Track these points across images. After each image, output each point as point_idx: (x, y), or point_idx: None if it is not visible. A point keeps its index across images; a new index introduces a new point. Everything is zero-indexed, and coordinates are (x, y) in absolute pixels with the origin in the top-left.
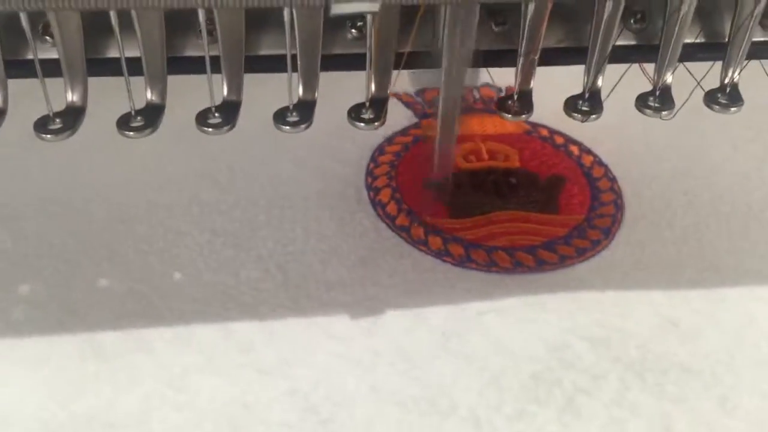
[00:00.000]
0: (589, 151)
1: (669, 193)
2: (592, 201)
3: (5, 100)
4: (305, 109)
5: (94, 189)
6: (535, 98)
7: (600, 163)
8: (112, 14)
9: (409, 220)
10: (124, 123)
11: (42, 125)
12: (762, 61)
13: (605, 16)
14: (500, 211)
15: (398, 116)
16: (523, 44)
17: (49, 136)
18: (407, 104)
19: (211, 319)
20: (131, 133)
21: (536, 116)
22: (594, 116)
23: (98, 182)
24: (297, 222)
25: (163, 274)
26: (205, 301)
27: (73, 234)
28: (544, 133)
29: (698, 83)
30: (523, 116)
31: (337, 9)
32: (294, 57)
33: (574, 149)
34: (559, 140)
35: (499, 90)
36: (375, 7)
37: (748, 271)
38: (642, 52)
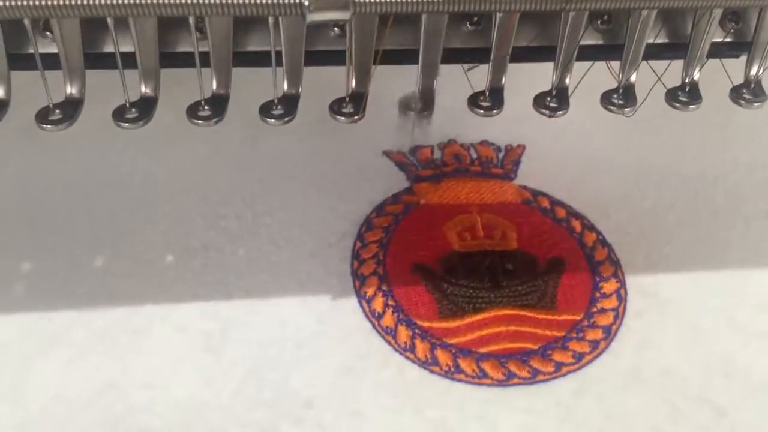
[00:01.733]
0: (592, 228)
1: (674, 281)
2: (593, 291)
3: (8, 93)
4: (289, 103)
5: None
6: (541, 162)
7: (603, 242)
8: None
9: (396, 319)
10: (119, 114)
11: (43, 116)
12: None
13: (572, 17)
14: (494, 307)
15: (389, 179)
16: (494, 43)
17: (49, 126)
18: (399, 165)
19: None
20: (126, 123)
21: (539, 182)
22: (561, 112)
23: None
24: (271, 321)
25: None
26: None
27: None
28: (545, 204)
29: (659, 78)
30: (494, 111)
31: (311, 17)
32: (279, 53)
33: (576, 225)
34: (561, 213)
35: (498, 149)
36: (346, 15)
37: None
38: (608, 51)
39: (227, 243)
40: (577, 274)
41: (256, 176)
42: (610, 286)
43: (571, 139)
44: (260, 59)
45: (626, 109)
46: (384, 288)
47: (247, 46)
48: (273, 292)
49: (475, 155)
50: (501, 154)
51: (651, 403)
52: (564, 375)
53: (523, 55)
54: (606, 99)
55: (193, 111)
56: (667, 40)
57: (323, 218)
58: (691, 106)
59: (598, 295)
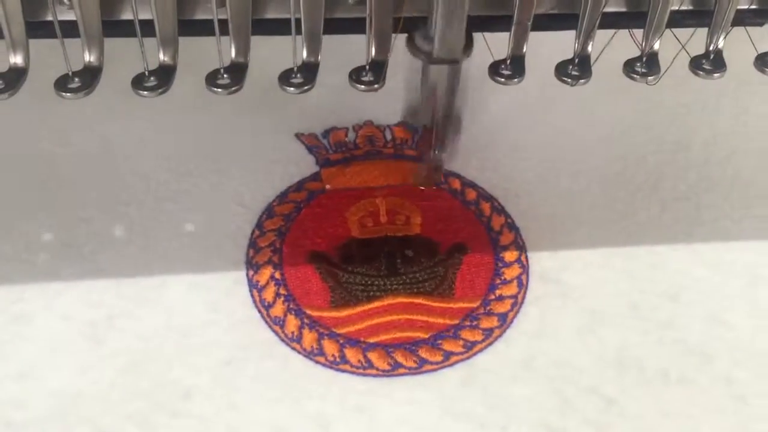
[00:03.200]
0: (501, 211)
1: (580, 266)
2: (493, 278)
3: (27, 60)
4: (309, 71)
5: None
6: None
7: (511, 226)
8: None
9: (285, 309)
10: (138, 82)
11: (62, 84)
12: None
13: None
14: (389, 295)
15: (297, 163)
16: (516, 11)
17: (68, 94)
18: (310, 148)
19: None
20: (145, 92)
21: (453, 163)
22: (583, 81)
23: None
24: (159, 310)
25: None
26: None
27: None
28: (455, 185)
29: (683, 47)
30: (515, 80)
31: None
32: (298, 21)
33: (486, 208)
34: (471, 196)
35: (415, 130)
36: None
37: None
38: (630, 18)
39: (124, 230)
40: (479, 260)
41: (160, 160)
42: (511, 272)
43: (490, 119)
44: (279, 27)
45: (649, 78)
46: (277, 277)
47: (266, 13)
48: (165, 280)
49: (390, 137)
50: (417, 136)
51: (540, 394)
52: (452, 365)
53: (544, 22)
54: (629, 67)
55: (212, 79)
56: (691, 7)
57: (226, 206)
58: (716, 74)
59: (498, 281)
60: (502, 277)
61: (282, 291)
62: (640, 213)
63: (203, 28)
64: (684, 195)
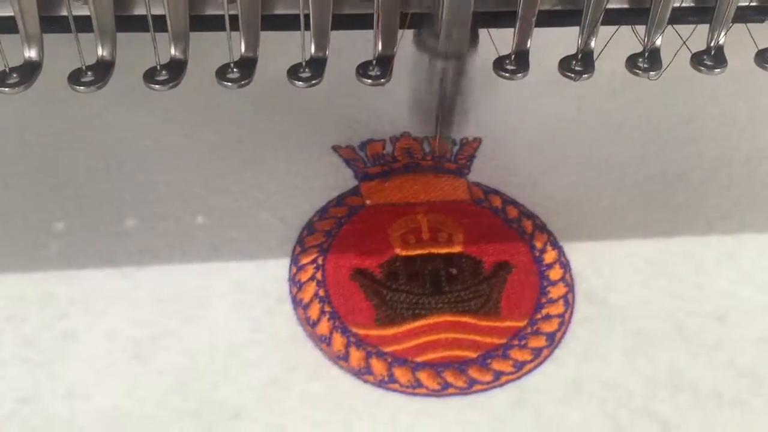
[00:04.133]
0: (543, 228)
1: (624, 286)
2: (539, 297)
3: (41, 54)
4: (317, 66)
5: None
6: (497, 157)
7: (554, 244)
8: None
9: (331, 327)
10: (150, 76)
11: (75, 78)
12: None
13: None
14: (434, 313)
15: (335, 177)
16: (521, 6)
17: (81, 87)
18: (347, 161)
19: None
20: (157, 86)
21: (493, 178)
22: (586, 75)
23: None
24: (202, 329)
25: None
26: None
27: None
28: (497, 203)
29: (684, 43)
30: (520, 75)
31: None
32: (306, 17)
33: (528, 225)
34: (513, 213)
35: (453, 142)
36: None
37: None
38: (633, 15)
39: (164, 246)
40: (524, 279)
41: (197, 174)
42: (557, 291)
43: (530, 134)
44: (288, 23)
45: (651, 73)
46: (321, 294)
47: (275, 9)
48: (207, 298)
49: (428, 149)
50: (456, 148)
51: (592, 418)
52: (502, 385)
53: (548, 18)
54: (631, 63)
55: (222, 73)
56: (692, 4)
57: (265, 221)
58: (716, 70)
59: (544, 300)
60: (548, 296)
61: (327, 308)
62: (683, 231)
63: (214, 24)
64: (728, 213)
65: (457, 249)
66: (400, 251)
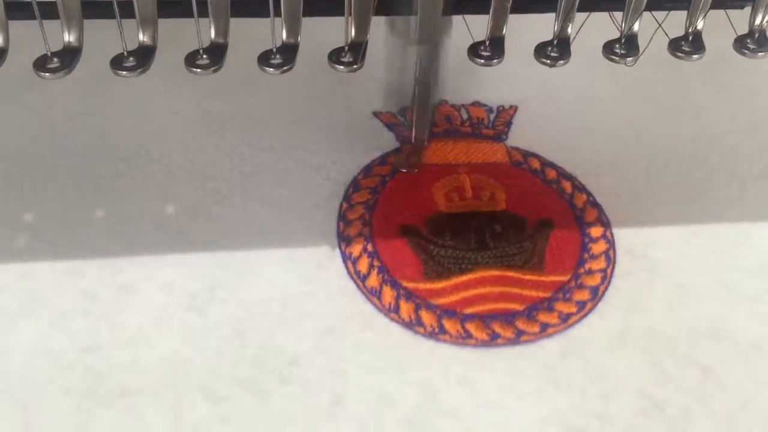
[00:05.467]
0: (582, 188)
1: (664, 243)
2: (581, 252)
3: (6, 41)
4: (288, 53)
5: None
6: (533, 124)
7: (594, 204)
8: None
9: (381, 280)
10: (117, 63)
11: (41, 64)
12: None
13: None
14: (480, 267)
15: (379, 140)
16: None
17: (47, 74)
18: (389, 125)
19: None
20: (124, 72)
21: (531, 144)
22: (562, 62)
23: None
24: (256, 281)
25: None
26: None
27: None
28: (535, 165)
29: (659, 25)
30: (494, 61)
31: None
32: (277, 2)
33: (567, 186)
34: (551, 174)
35: (490, 110)
36: None
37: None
38: (610, 0)
39: (214, 204)
40: (566, 235)
41: (243, 137)
42: (598, 247)
43: (564, 100)
44: (259, 9)
45: (628, 59)
46: (369, 249)
47: None
48: (259, 252)
49: (466, 116)
50: (493, 115)
51: (638, 365)
52: (549, 336)
53: (523, 4)
54: (608, 49)
55: (191, 59)
56: None
57: (311, 179)
58: (695, 56)
59: (586, 256)
60: (590, 252)
61: (375, 263)
62: (719, 192)
63: (183, 9)
64: (762, 174)
65: (500, 207)
66: (444, 208)
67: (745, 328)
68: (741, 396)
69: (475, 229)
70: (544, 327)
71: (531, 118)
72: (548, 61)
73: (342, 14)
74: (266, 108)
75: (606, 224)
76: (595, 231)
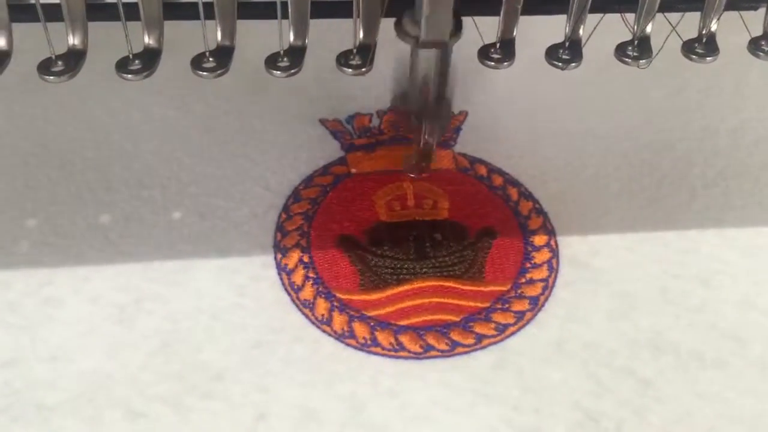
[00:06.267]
0: (529, 196)
1: (609, 251)
2: (523, 262)
3: (10, 43)
4: (295, 55)
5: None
6: (483, 130)
7: (539, 211)
8: None
9: (315, 292)
10: (122, 66)
11: (45, 67)
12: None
13: None
14: (418, 277)
15: (322, 148)
16: None
17: (51, 77)
18: (334, 133)
19: None
20: (129, 75)
21: (479, 150)
22: (573, 65)
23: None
24: (187, 293)
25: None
26: None
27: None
28: (482, 171)
29: (673, 28)
30: (505, 64)
31: None
32: (284, 4)
33: (513, 193)
34: (498, 181)
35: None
36: None
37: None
38: (622, 2)
39: (149, 213)
40: (508, 244)
41: (185, 144)
42: (541, 256)
43: (516, 107)
44: (266, 11)
45: (641, 61)
46: (306, 260)
47: None
48: (192, 263)
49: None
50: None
51: (574, 377)
52: (484, 348)
53: (535, 6)
54: (620, 51)
55: (197, 63)
56: None
57: (251, 189)
58: (708, 58)
59: (528, 265)
60: (532, 261)
61: (311, 274)
62: (668, 199)
63: (189, 12)
64: (713, 181)
65: (442, 215)
66: (385, 218)
67: (687, 338)
68: (679, 409)
69: (414, 238)
70: (480, 338)
71: (480, 124)
72: (560, 64)
73: (350, 16)
74: (212, 115)
75: (551, 232)
76: (539, 239)
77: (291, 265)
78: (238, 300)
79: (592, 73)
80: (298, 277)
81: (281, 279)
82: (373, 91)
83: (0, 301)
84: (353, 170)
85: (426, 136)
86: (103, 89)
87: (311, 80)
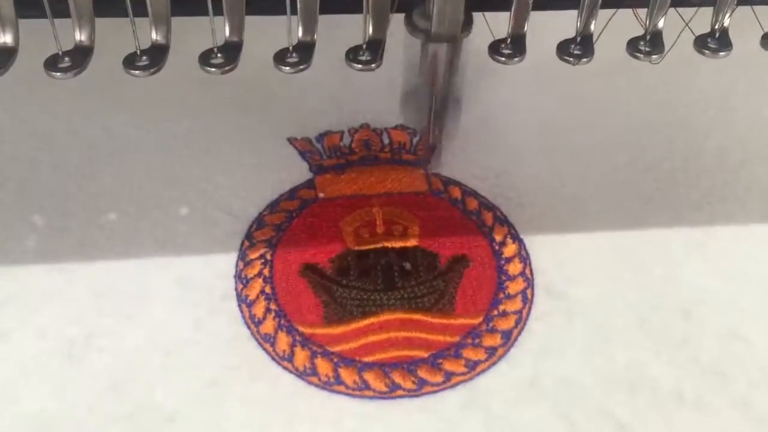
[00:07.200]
0: (504, 221)
1: (587, 279)
2: (496, 292)
3: (17, 40)
4: (304, 51)
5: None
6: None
7: (515, 237)
8: None
9: (276, 325)
10: (129, 62)
11: (52, 63)
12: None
13: None
14: (386, 310)
15: (289, 170)
16: None
17: (58, 73)
18: (302, 153)
19: None
20: (137, 71)
21: (454, 170)
22: (585, 60)
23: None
24: (141, 327)
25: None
26: None
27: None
28: (456, 194)
29: (686, 24)
30: (516, 59)
31: None
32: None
33: (488, 217)
34: (472, 205)
35: (414, 133)
36: None
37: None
38: None
39: (105, 240)
40: (481, 273)
41: (145, 166)
42: (516, 286)
43: (495, 124)
44: (275, 6)
45: (653, 56)
46: (267, 291)
47: None
48: (148, 295)
49: (387, 140)
50: (416, 139)
51: (546, 418)
52: (453, 386)
53: (546, 1)
54: (632, 46)
55: (205, 58)
56: None
57: (213, 215)
58: (721, 53)
59: (501, 296)
60: (506, 292)
61: (273, 306)
62: (650, 222)
63: (196, 8)
64: (698, 204)
65: (412, 242)
66: (352, 246)
67: (666, 376)
68: None
69: (383, 267)
70: (449, 376)
71: (456, 144)
72: (571, 59)
73: (360, 11)
74: (177, 134)
75: (525, 260)
76: (514, 268)
77: (252, 297)
78: (194, 335)
79: (573, 89)
80: (259, 310)
81: (241, 311)
82: (345, 107)
83: None
84: (321, 195)
85: (434, 130)
86: (64, 105)
87: (280, 97)
